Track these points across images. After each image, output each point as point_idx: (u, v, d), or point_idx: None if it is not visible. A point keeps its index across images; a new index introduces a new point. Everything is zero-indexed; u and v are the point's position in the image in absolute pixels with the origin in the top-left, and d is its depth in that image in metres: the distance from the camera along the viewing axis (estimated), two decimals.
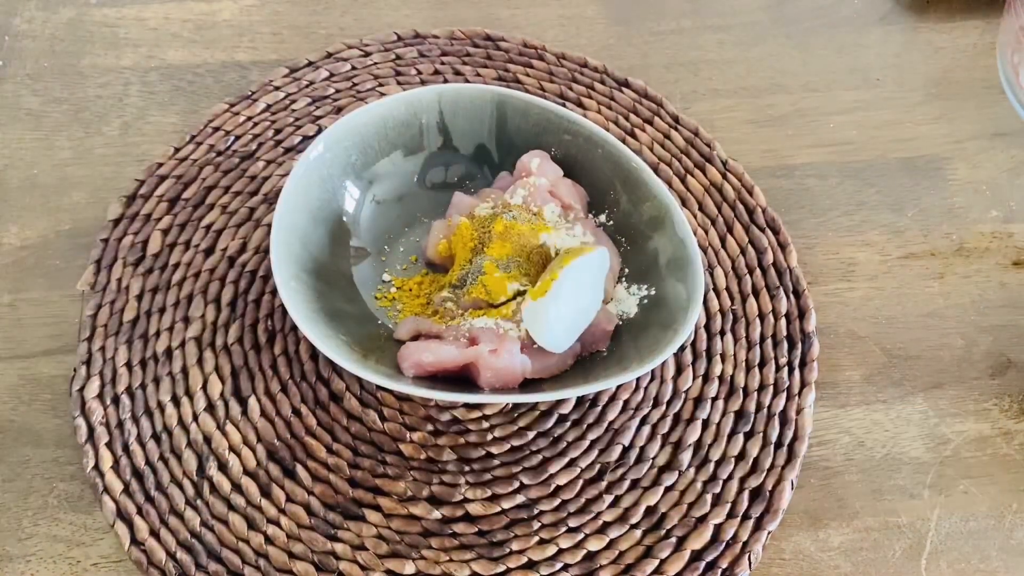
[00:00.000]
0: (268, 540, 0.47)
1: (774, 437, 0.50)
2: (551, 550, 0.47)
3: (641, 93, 0.63)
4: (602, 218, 0.55)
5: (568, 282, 0.48)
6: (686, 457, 0.50)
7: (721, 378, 0.52)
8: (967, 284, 0.57)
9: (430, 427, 0.50)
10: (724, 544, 0.47)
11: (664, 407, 0.51)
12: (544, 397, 0.48)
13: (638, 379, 0.51)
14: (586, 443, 0.50)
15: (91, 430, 0.50)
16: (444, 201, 0.55)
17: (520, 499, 0.48)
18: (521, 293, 0.50)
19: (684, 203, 0.58)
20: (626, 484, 0.49)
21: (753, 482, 0.49)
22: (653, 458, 0.50)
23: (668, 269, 0.51)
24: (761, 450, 0.50)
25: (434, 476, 0.49)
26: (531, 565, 0.46)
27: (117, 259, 0.55)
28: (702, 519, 0.48)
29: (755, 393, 0.51)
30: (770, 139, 0.63)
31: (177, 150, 0.60)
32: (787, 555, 0.48)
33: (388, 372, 0.47)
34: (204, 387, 0.51)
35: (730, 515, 0.48)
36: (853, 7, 0.70)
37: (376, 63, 0.64)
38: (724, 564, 0.47)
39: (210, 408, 0.50)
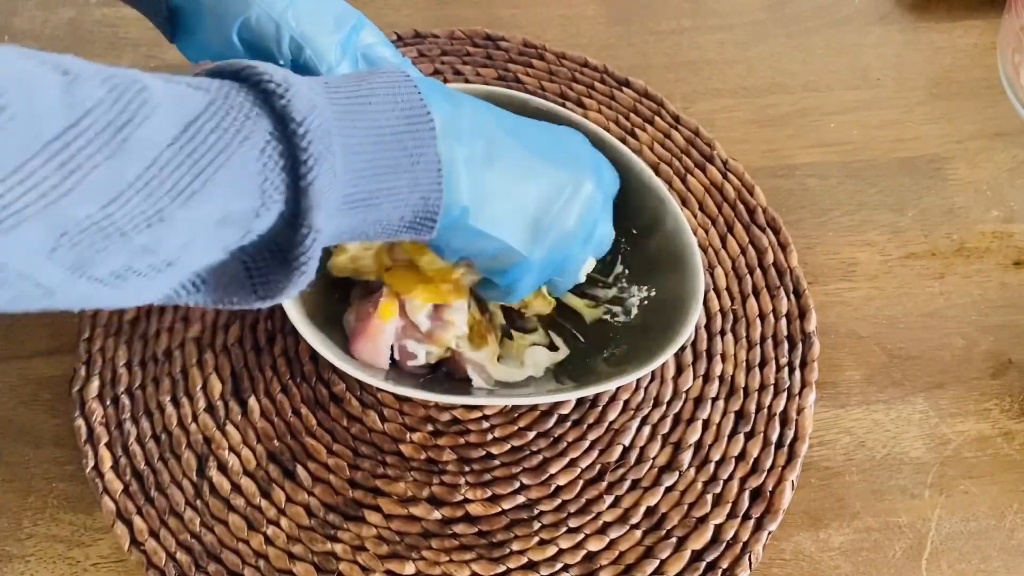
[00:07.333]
0: (268, 541, 0.47)
1: (774, 437, 0.50)
2: (551, 550, 0.47)
3: (641, 93, 0.63)
4: None
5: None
6: (686, 457, 0.49)
7: (721, 378, 0.52)
8: (968, 284, 0.57)
9: (430, 427, 0.50)
10: (724, 544, 0.47)
11: (664, 407, 0.51)
12: (544, 398, 0.48)
13: (638, 379, 0.51)
14: (586, 443, 0.50)
15: (91, 431, 0.50)
16: None
17: (520, 499, 0.48)
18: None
19: (684, 203, 0.58)
20: (626, 484, 0.49)
21: (753, 482, 0.49)
22: (653, 458, 0.50)
23: (668, 269, 0.51)
24: (761, 450, 0.50)
25: (434, 476, 0.49)
26: (531, 566, 0.46)
27: None
28: (702, 519, 0.48)
29: (755, 393, 0.51)
30: (770, 139, 0.62)
31: None
32: (787, 555, 0.48)
33: (388, 373, 0.47)
34: (204, 388, 0.51)
35: (730, 515, 0.48)
36: (853, 7, 0.70)
37: None
38: (724, 564, 0.47)
39: (210, 409, 0.50)
